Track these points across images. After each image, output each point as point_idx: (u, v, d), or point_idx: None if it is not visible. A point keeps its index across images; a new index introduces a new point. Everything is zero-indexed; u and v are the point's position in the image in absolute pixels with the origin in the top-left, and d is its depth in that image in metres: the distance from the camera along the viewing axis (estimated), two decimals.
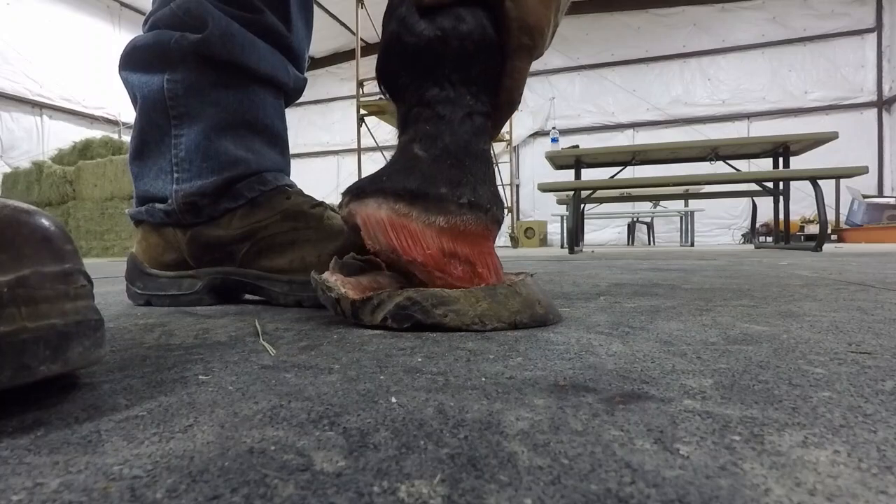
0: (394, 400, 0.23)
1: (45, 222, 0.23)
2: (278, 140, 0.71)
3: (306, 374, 0.28)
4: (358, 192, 0.46)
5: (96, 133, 5.82)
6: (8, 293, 0.20)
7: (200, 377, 0.28)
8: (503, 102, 0.50)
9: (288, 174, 0.72)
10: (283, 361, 0.32)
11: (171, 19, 0.64)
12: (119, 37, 6.97)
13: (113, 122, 7.14)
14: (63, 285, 0.22)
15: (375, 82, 0.52)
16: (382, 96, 0.51)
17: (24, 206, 0.23)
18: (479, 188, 0.45)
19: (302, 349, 0.35)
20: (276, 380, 0.27)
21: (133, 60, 0.66)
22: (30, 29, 6.19)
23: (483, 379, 0.27)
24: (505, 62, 0.48)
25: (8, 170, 5.49)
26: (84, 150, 5.12)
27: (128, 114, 6.88)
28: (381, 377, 0.27)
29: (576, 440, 0.18)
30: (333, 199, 0.60)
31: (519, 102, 0.52)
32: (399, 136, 0.49)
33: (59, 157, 5.25)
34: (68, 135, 6.13)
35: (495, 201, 0.46)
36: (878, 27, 6.78)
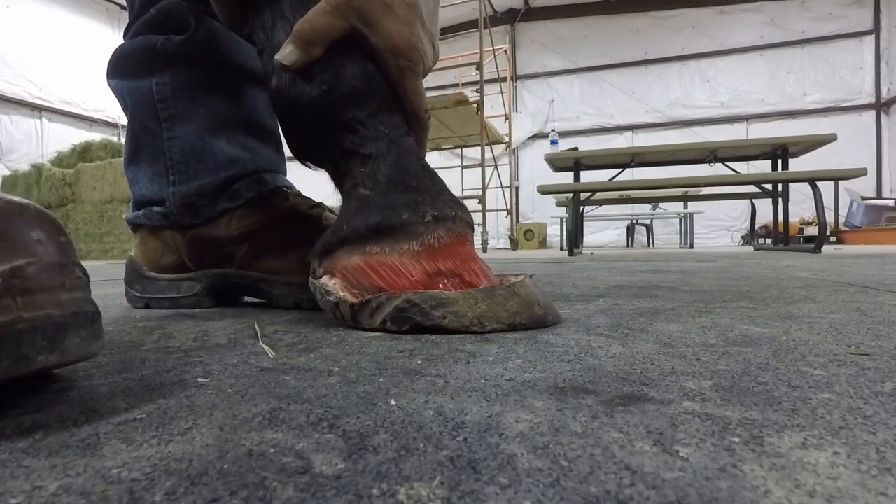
0: (393, 402, 0.23)
1: (39, 215, 0.23)
2: (272, 136, 0.70)
3: (305, 376, 0.28)
4: (325, 249, 0.47)
5: (96, 136, 5.84)
6: (3, 283, 0.20)
7: (199, 380, 0.28)
8: (412, 125, 0.51)
9: (284, 172, 0.72)
10: (282, 364, 0.32)
11: (153, 24, 0.64)
12: (118, 39, 6.94)
13: (112, 125, 7.15)
14: (58, 276, 0.22)
15: None
16: (309, 168, 0.52)
17: (18, 198, 0.23)
18: (436, 201, 0.45)
19: (301, 351, 0.35)
20: (275, 382, 0.27)
21: (120, 68, 0.66)
22: (29, 32, 6.21)
23: (482, 381, 0.27)
24: (395, 88, 0.49)
25: (7, 172, 5.50)
26: (83, 153, 5.13)
27: None
28: (381, 379, 0.27)
29: (575, 442, 0.18)
30: (332, 201, 0.60)
31: (428, 119, 0.53)
32: (340, 188, 0.50)
33: (59, 160, 5.26)
34: (68, 137, 6.14)
35: (457, 206, 0.46)
36: (876, 30, 6.80)
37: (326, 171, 0.52)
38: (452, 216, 0.45)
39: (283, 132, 0.51)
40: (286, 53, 0.45)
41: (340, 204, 0.50)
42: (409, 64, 0.48)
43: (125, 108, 0.67)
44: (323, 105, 0.47)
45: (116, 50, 0.66)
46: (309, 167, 0.52)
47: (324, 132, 0.48)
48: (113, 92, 0.68)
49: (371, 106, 0.47)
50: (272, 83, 0.48)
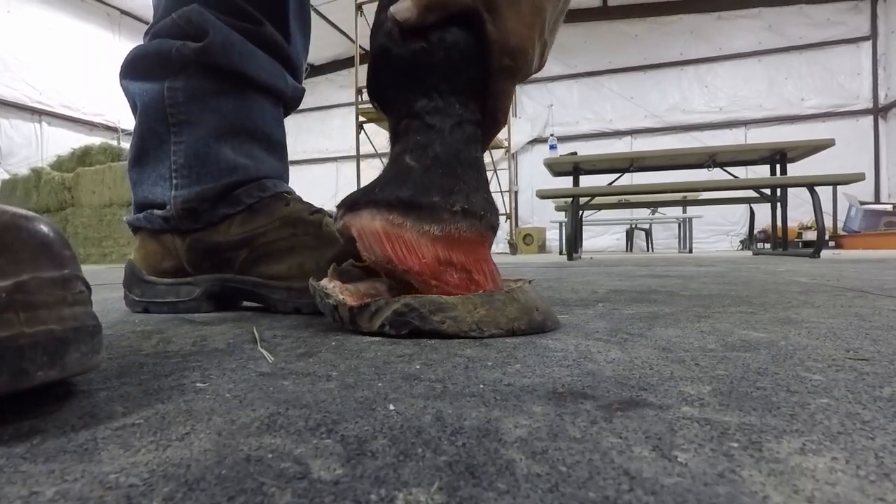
0: (392, 407, 0.23)
1: (44, 228, 0.23)
2: (277, 147, 0.71)
3: (304, 381, 0.28)
4: (352, 204, 0.47)
5: (95, 140, 5.83)
6: (6, 298, 0.20)
7: (198, 385, 0.28)
8: (487, 123, 0.50)
9: (287, 181, 0.72)
10: (280, 369, 0.32)
11: (172, 29, 0.64)
12: (119, 44, 7.01)
13: (112, 129, 7.15)
14: (61, 291, 0.22)
15: None
16: (374, 108, 0.52)
17: (23, 211, 0.23)
18: (471, 195, 0.45)
19: (300, 356, 0.35)
20: (273, 387, 0.27)
21: (134, 69, 0.66)
22: (30, 36, 6.22)
23: (481, 386, 0.27)
24: (488, 84, 0.48)
25: (7, 176, 5.49)
26: (83, 157, 5.12)
27: (127, 121, 6.90)
28: (380, 384, 0.27)
29: (574, 447, 0.18)
30: (332, 205, 0.60)
31: (504, 123, 0.52)
32: (391, 148, 0.50)
33: (58, 164, 5.26)
34: (67, 141, 6.14)
35: (489, 208, 0.46)
36: (873, 35, 6.83)
37: (389, 123, 0.51)
38: (481, 215, 0.45)
39: (368, 68, 0.50)
40: (402, 8, 0.45)
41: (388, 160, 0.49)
42: (511, 65, 0.47)
43: (134, 110, 0.68)
44: (414, 62, 0.46)
45: (132, 51, 0.66)
46: (375, 109, 0.52)
47: (403, 84, 0.48)
48: (124, 92, 0.68)
49: (456, 81, 0.47)
50: (377, 19, 0.47)
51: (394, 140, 0.50)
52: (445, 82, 0.46)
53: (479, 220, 0.45)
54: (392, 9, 0.46)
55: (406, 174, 0.45)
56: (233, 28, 0.64)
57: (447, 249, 0.43)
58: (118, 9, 7.15)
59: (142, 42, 0.67)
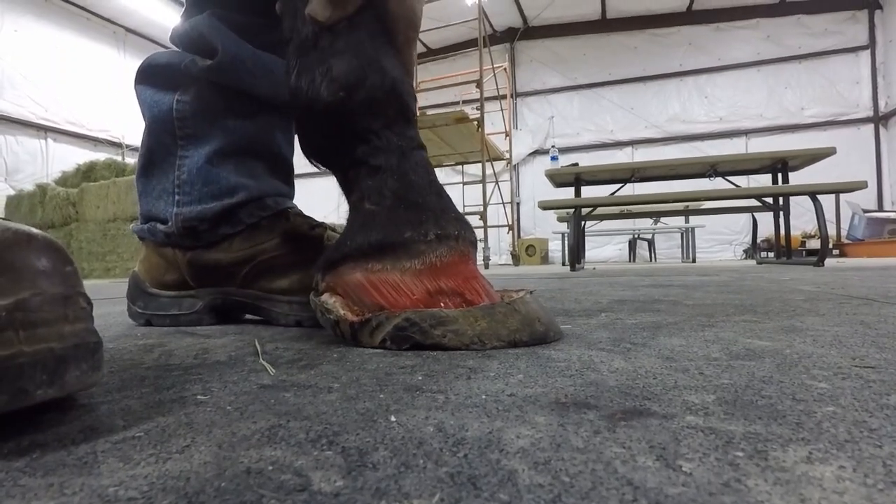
0: (393, 419, 0.23)
1: (46, 245, 0.23)
2: (283, 167, 0.71)
3: (305, 393, 0.28)
4: (328, 264, 0.47)
5: (100, 155, 5.89)
6: (6, 317, 0.20)
7: (199, 397, 0.28)
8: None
9: (291, 198, 0.72)
10: (282, 381, 0.31)
11: (185, 39, 0.65)
12: (124, 61, 7.11)
13: (117, 145, 7.21)
14: (62, 308, 0.22)
15: None
16: (317, 169, 0.53)
17: (25, 228, 0.23)
18: (440, 219, 0.45)
19: (301, 368, 0.35)
20: (274, 399, 0.27)
21: (147, 77, 0.67)
22: (36, 54, 6.31)
23: (483, 397, 0.26)
24: (402, 56, 0.50)
25: (12, 192, 5.53)
26: (88, 173, 5.16)
27: (131, 136, 6.98)
28: (381, 396, 0.27)
29: (577, 458, 0.18)
30: (334, 218, 0.60)
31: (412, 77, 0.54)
32: (347, 198, 0.50)
33: (63, 180, 5.30)
34: (72, 157, 6.19)
35: (461, 225, 0.46)
36: (871, 44, 6.87)
37: (336, 177, 0.51)
38: (455, 235, 0.45)
39: (297, 130, 0.51)
40: (316, 7, 0.45)
41: (347, 216, 0.50)
42: (413, 35, 0.50)
43: (144, 118, 0.68)
44: (338, 112, 0.47)
45: (148, 58, 0.68)
46: (318, 168, 0.52)
47: (336, 138, 0.48)
48: (137, 97, 0.69)
49: (387, 117, 0.47)
50: (290, 81, 0.48)
51: (346, 190, 0.50)
52: (377, 120, 0.47)
53: (456, 241, 0.45)
54: (307, 10, 0.46)
55: (371, 219, 0.45)
56: (247, 27, 0.63)
57: (434, 279, 0.43)
58: (123, 27, 7.26)
59: (148, 54, 0.68)
